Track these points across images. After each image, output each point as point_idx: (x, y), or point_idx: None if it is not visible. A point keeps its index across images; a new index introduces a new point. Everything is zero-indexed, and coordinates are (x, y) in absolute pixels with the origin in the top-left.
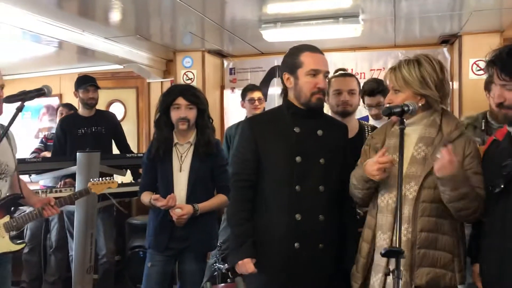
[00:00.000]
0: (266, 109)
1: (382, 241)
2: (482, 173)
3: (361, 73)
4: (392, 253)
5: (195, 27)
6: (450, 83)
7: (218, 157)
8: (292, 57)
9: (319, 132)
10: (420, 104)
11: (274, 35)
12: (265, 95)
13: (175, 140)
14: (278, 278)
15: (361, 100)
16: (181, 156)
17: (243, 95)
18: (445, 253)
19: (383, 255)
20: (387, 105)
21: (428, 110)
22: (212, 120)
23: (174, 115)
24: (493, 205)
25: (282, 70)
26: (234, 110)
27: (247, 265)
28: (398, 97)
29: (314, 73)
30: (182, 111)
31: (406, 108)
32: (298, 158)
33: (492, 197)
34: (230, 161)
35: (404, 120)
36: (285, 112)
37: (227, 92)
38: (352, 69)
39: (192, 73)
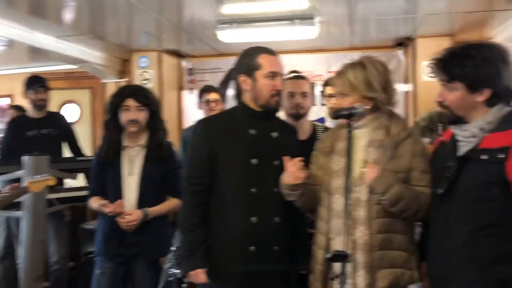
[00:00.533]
0: None
1: (338, 246)
2: (431, 171)
3: (318, 76)
4: (337, 257)
5: (152, 27)
6: (406, 85)
7: (171, 160)
8: (249, 59)
9: (274, 134)
10: (367, 107)
11: (230, 36)
12: (224, 96)
13: (125, 143)
14: (233, 283)
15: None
16: (131, 160)
17: (200, 96)
18: (402, 252)
19: (328, 259)
20: (336, 109)
21: (376, 112)
22: (165, 121)
23: (124, 117)
24: (438, 205)
25: (237, 71)
26: (193, 112)
27: (199, 276)
28: (345, 101)
29: (273, 75)
30: (132, 112)
31: (354, 111)
32: (254, 161)
33: (437, 198)
34: (184, 163)
35: (352, 123)
36: (240, 114)
37: (185, 93)
38: (310, 71)
39: (149, 73)
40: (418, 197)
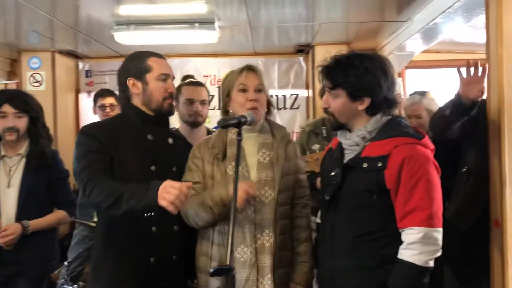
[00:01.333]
0: None
1: (243, 254)
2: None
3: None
4: (221, 271)
5: (43, 26)
6: (306, 91)
7: (55, 169)
8: (138, 62)
9: (170, 140)
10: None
11: (127, 38)
12: None
13: (3, 153)
14: None
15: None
16: (10, 170)
17: (94, 101)
18: (290, 252)
19: (211, 274)
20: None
21: (262, 118)
22: (48, 128)
23: (0, 124)
24: (325, 213)
25: (125, 75)
26: (91, 116)
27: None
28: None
29: (164, 77)
30: (10, 120)
31: (243, 120)
32: (153, 167)
33: (324, 205)
34: (77, 162)
35: (242, 131)
36: (133, 119)
37: (83, 96)
38: (214, 75)
39: (40, 75)
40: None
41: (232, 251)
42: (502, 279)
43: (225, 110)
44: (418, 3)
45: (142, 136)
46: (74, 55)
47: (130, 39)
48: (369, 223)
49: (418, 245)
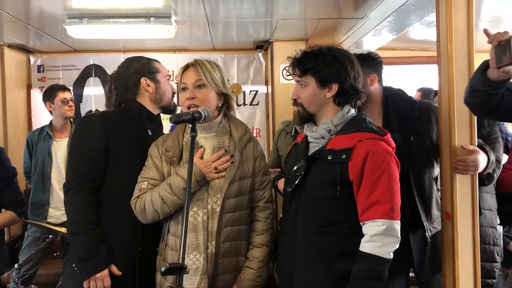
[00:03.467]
0: (79, 111)
1: (195, 261)
2: (268, 173)
3: None
4: (173, 269)
5: None
6: (265, 87)
7: (1, 168)
8: (144, 63)
9: None
10: (214, 110)
11: (80, 32)
12: (79, 95)
13: None
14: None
15: None
16: None
17: (51, 95)
18: (243, 257)
19: (163, 273)
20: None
21: (219, 115)
22: None
23: None
24: (288, 204)
25: (138, 74)
26: (44, 112)
27: (105, 278)
28: (202, 92)
29: (169, 78)
30: None
31: (197, 115)
32: None
33: (287, 197)
34: (71, 159)
35: (196, 127)
36: (136, 114)
37: (35, 92)
38: (173, 71)
39: None
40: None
41: (184, 249)
42: (452, 271)
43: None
44: (374, 1)
45: (142, 131)
46: (25, 49)
47: (83, 33)
48: (330, 215)
49: (381, 237)
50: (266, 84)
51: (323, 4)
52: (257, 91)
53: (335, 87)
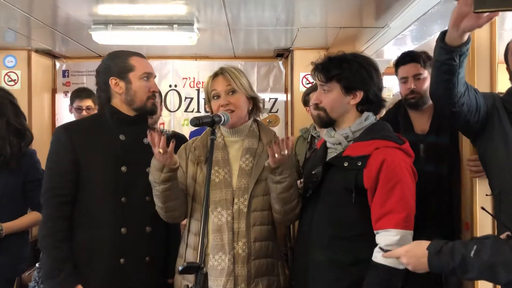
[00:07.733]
0: None
1: (221, 262)
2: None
3: (202, 82)
4: (190, 269)
5: (19, 24)
6: (284, 95)
7: (32, 170)
8: (120, 61)
9: (145, 141)
10: (249, 108)
11: (105, 38)
12: None
13: None
14: None
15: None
16: None
17: (72, 100)
18: (272, 259)
19: (180, 272)
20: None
21: (249, 119)
22: (18, 126)
23: None
24: (304, 210)
25: (107, 74)
26: (67, 116)
27: None
28: (235, 98)
29: (147, 76)
30: None
31: (217, 119)
32: (123, 168)
33: (305, 202)
34: (44, 175)
35: (215, 130)
36: (108, 119)
37: (59, 96)
38: (194, 78)
39: (16, 74)
40: (298, 191)
41: (202, 249)
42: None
43: None
44: (395, 10)
45: (113, 137)
46: (51, 55)
47: (108, 39)
48: (346, 222)
49: (394, 247)
50: (286, 92)
51: (344, 13)
52: (276, 99)
53: (359, 95)
